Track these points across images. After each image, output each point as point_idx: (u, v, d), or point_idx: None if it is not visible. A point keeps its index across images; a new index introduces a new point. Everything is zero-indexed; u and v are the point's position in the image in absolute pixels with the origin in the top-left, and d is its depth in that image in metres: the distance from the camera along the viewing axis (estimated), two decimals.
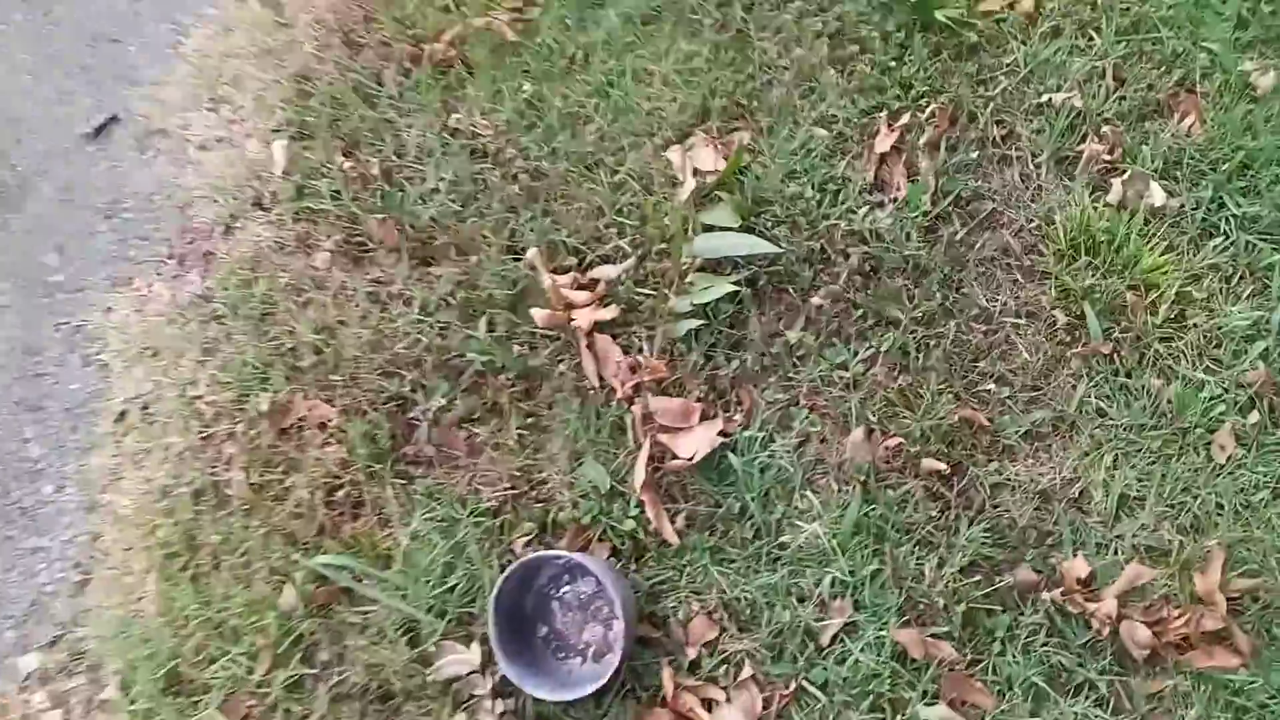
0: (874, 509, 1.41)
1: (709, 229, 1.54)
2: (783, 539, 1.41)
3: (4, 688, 1.44)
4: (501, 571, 1.31)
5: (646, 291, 1.54)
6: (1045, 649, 1.35)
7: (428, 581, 1.38)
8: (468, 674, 1.31)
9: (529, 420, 1.50)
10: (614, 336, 1.52)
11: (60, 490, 1.58)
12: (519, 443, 1.48)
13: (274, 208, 1.70)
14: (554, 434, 1.49)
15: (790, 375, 1.51)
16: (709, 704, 1.32)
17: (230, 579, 1.42)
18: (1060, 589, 1.37)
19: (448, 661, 1.32)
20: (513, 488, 1.46)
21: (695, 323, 1.50)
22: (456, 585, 1.37)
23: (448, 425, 1.50)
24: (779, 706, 1.31)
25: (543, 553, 1.25)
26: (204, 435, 1.55)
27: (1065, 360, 1.52)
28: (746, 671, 1.33)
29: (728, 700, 1.32)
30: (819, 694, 1.32)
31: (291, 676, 1.36)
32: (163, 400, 1.58)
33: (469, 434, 1.49)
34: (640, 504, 1.41)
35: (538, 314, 1.52)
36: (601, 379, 1.51)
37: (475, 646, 1.33)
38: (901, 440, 1.45)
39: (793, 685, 1.33)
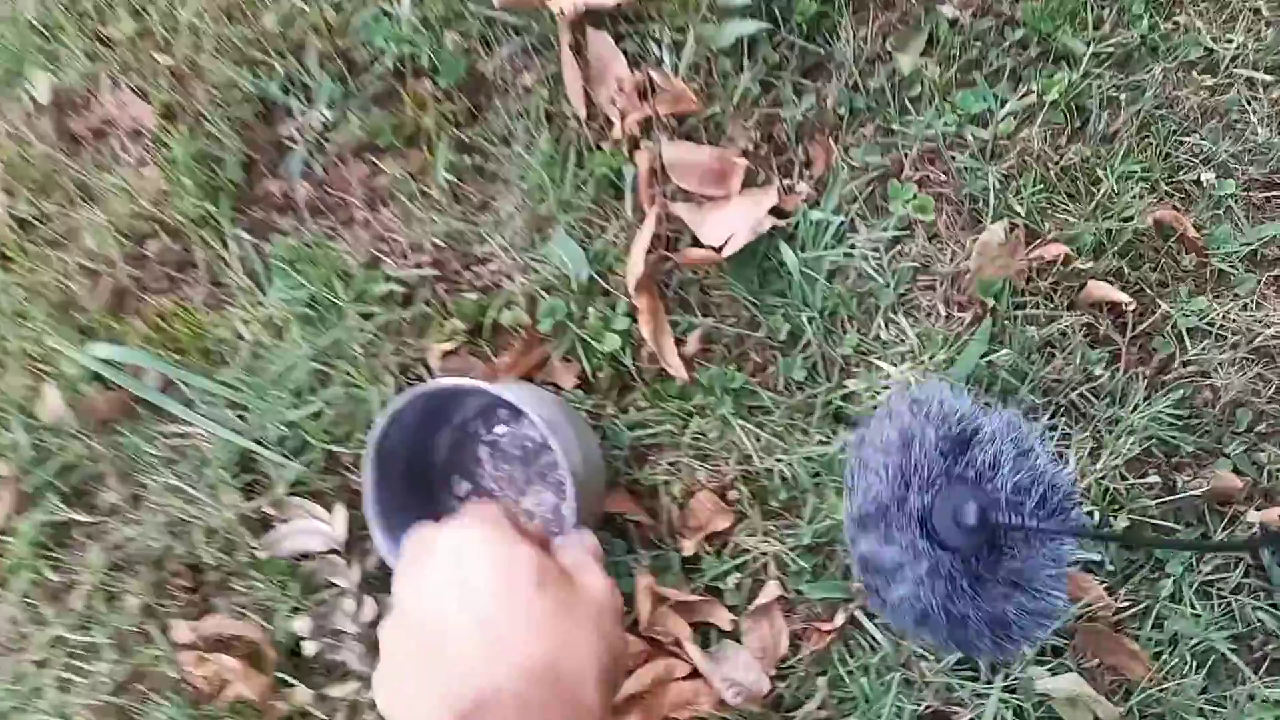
0: (1003, 352, 1.01)
1: None
2: (852, 386, 1.01)
3: None
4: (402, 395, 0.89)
5: None
6: (1239, 597, 0.99)
7: (281, 399, 0.98)
8: (324, 552, 0.91)
9: (469, 159, 1.06)
10: (617, 37, 1.06)
11: None
12: (450, 193, 1.05)
13: None
14: (507, 185, 1.06)
15: (895, 128, 1.07)
16: (705, 631, 0.96)
17: None
18: (1276, 506, 1.00)
19: (293, 529, 0.95)
20: (435, 264, 1.04)
21: (752, 26, 1.05)
22: (324, 410, 0.98)
23: (337, 153, 1.07)
24: (815, 647, 0.93)
25: (450, 381, 0.82)
26: None
27: None
28: (770, 590, 0.94)
29: (735, 629, 0.92)
30: (879, 634, 0.97)
31: (47, 525, 0.99)
32: None
33: (371, 171, 1.07)
34: (633, 310, 1.00)
35: None
36: (591, 103, 1.06)
37: (340, 510, 0.95)
38: (1063, 247, 1.00)
39: (839, 617, 0.97)
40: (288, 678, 0.95)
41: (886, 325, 1.02)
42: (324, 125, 1.06)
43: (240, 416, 0.98)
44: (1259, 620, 0.98)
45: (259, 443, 0.95)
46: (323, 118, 1.06)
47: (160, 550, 0.97)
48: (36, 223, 1.05)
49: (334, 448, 0.97)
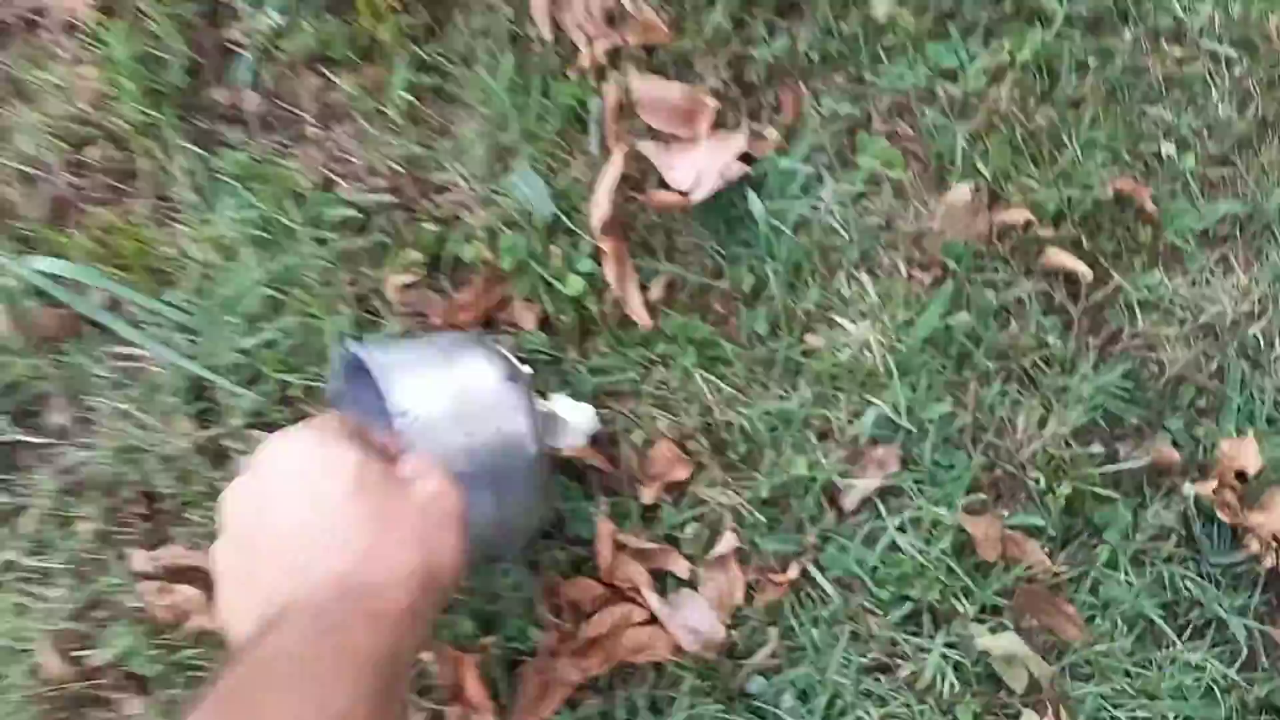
0: (962, 316, 1.06)
1: None
2: (811, 342, 1.06)
3: None
4: (359, 328, 0.91)
5: None
6: (1170, 566, 1.07)
7: (234, 325, 0.99)
8: None
9: (428, 79, 1.07)
10: None
11: None
12: (408, 114, 1.06)
13: None
14: (468, 110, 1.07)
15: (866, 76, 1.11)
16: (662, 578, 1.01)
17: None
18: (1210, 481, 1.07)
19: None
20: (392, 190, 1.05)
21: None
22: (279, 340, 0.99)
23: (288, 63, 1.07)
24: (768, 598, 1.00)
25: (354, 350, 0.84)
26: None
27: None
28: (727, 541, 1.00)
29: (693, 578, 1.00)
30: (829, 588, 1.03)
31: None
32: None
33: (324, 84, 1.07)
34: (597, 252, 1.03)
35: None
36: (558, 27, 1.08)
37: None
38: (1028, 213, 1.08)
39: (793, 569, 1.03)
40: None
41: (849, 281, 1.07)
42: (273, 30, 1.05)
43: (191, 341, 0.98)
44: (1187, 589, 1.06)
45: (211, 369, 0.96)
46: (271, 22, 1.05)
47: (113, 476, 0.98)
48: None
49: (289, 378, 0.98)
